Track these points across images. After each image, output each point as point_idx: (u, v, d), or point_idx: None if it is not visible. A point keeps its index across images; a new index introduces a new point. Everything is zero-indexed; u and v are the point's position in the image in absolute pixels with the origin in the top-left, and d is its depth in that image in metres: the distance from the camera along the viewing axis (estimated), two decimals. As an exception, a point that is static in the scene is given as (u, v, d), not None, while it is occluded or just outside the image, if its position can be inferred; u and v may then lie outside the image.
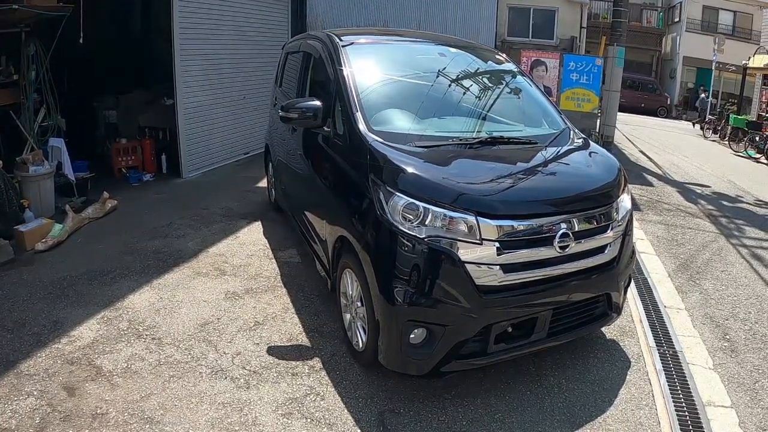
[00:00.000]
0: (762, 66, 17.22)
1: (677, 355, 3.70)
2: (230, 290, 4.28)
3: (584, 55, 11.53)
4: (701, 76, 27.75)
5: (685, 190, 9.48)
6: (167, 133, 8.28)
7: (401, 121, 3.58)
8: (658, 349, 3.76)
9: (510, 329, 3.04)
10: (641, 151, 13.49)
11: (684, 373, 3.51)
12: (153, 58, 9.07)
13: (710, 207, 8.35)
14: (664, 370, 3.52)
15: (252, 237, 5.47)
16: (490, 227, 2.82)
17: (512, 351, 3.07)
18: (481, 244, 2.80)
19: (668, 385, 3.34)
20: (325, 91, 3.94)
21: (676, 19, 28.83)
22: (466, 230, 2.81)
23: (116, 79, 8.74)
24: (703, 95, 23.39)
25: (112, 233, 5.44)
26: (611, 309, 3.42)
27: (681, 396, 3.27)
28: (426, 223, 2.81)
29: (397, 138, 3.28)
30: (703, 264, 5.67)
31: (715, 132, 18.45)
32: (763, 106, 18.17)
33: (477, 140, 3.42)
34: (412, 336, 2.85)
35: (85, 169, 6.78)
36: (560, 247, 2.97)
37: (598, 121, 11.00)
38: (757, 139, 14.70)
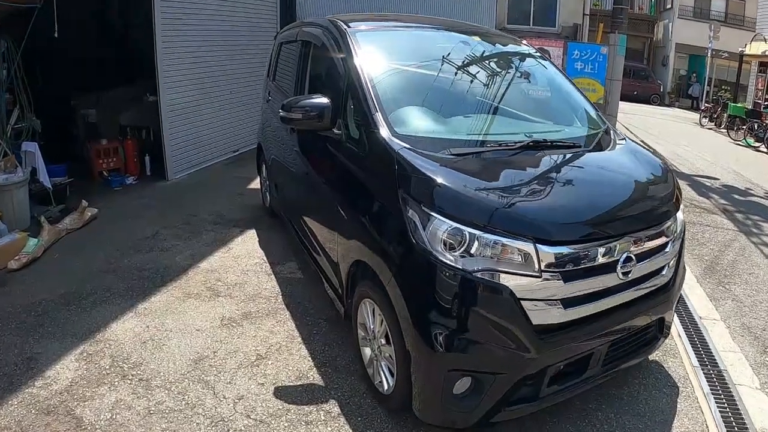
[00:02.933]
0: (759, 53, 16.96)
1: (722, 375, 3.45)
2: (226, 315, 3.80)
3: (589, 43, 11.10)
4: (693, 63, 27.58)
5: (694, 183, 9.17)
6: (151, 133, 7.78)
7: (426, 122, 3.10)
8: (702, 369, 3.49)
9: (562, 368, 2.60)
10: (641, 142, 13.16)
11: (732, 395, 3.24)
12: (135, 52, 8.51)
13: (723, 201, 8.09)
14: (713, 393, 3.24)
15: (247, 248, 4.99)
16: (550, 255, 2.36)
17: (565, 392, 2.66)
18: (540, 276, 2.35)
19: (719, 412, 3.07)
20: (331, 86, 3.43)
21: (668, 6, 28.55)
22: (523, 260, 2.34)
23: (96, 76, 8.17)
24: (695, 84, 23.19)
25: (92, 247, 4.94)
26: (661, 332, 3.06)
27: (734, 425, 2.99)
28: (473, 252, 2.33)
29: (428, 144, 2.76)
30: (729, 266, 5.38)
31: (711, 120, 18.23)
32: (759, 93, 17.93)
33: (518, 145, 2.91)
34: (456, 386, 2.41)
35: (63, 173, 6.28)
36: (623, 273, 2.55)
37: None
38: (756, 127, 14.48)
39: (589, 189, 2.80)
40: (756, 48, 17.58)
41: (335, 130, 3.17)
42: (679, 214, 3.01)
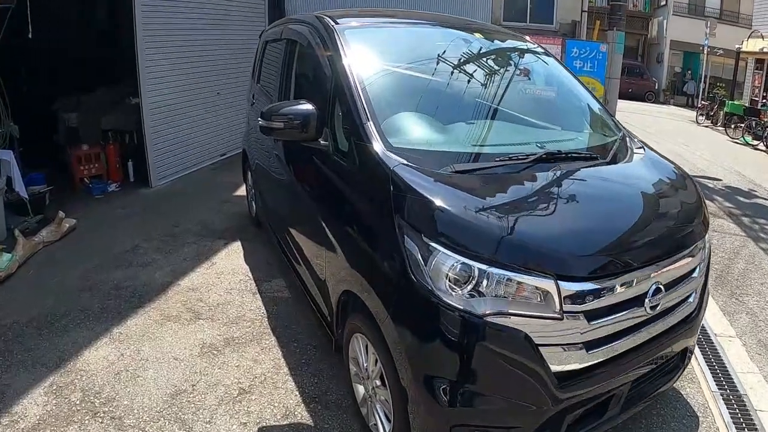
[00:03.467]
0: (757, 50, 16.79)
1: (742, 400, 3.22)
2: (207, 341, 3.51)
3: (587, 41, 10.85)
4: (688, 60, 27.45)
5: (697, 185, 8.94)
6: (134, 137, 7.47)
7: (424, 132, 2.77)
8: (721, 395, 3.26)
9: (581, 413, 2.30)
10: (640, 141, 12.98)
11: (755, 424, 3.01)
12: (116, 53, 8.21)
13: (728, 204, 7.89)
14: (734, 422, 3.01)
15: (231, 263, 4.70)
16: (573, 293, 2.03)
17: None
18: (561, 318, 2.02)
19: None
20: (317, 90, 3.08)
21: (663, 3, 28.38)
22: (542, 300, 2.01)
23: (76, 78, 7.87)
24: (689, 81, 23.05)
25: (69, 262, 4.65)
26: (683, 361, 2.75)
27: None
28: (484, 291, 1.98)
29: (428, 159, 2.42)
30: (740, 276, 5.16)
31: (707, 118, 18.06)
32: (756, 90, 17.78)
33: (530, 158, 2.54)
34: None
35: (41, 181, 5.98)
36: (651, 307, 2.25)
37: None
38: (754, 125, 14.31)
39: (614, 212, 2.44)
40: (753, 45, 17.42)
41: (321, 141, 2.82)
42: (707, 235, 2.69)
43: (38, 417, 2.80)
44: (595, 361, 2.15)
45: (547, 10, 13.11)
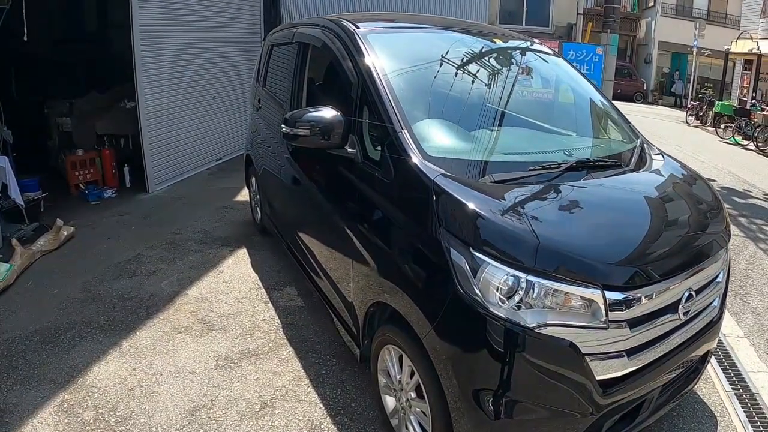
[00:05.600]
0: (746, 51, 16.96)
1: (755, 399, 3.29)
2: (222, 353, 3.40)
3: (583, 43, 10.85)
4: (676, 61, 27.68)
5: (693, 186, 8.97)
6: (129, 141, 7.33)
7: (456, 140, 2.70)
8: (735, 394, 3.32)
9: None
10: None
11: None
12: (110, 57, 8.06)
13: (726, 205, 7.86)
14: (749, 421, 3.06)
15: (239, 272, 4.59)
16: (618, 302, 2.03)
17: None
18: (606, 327, 2.02)
19: None
20: (338, 95, 3.00)
21: (651, 4, 28.60)
22: (589, 310, 2.00)
23: (70, 82, 7.71)
24: (677, 82, 23.24)
25: (69, 272, 4.51)
26: (702, 362, 2.79)
27: None
28: (532, 303, 1.97)
29: (466, 169, 2.40)
30: (743, 276, 5.18)
31: (697, 118, 18.21)
32: (745, 91, 17.96)
33: (562, 167, 2.52)
34: None
35: (36, 188, 5.83)
36: (684, 313, 2.27)
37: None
38: (744, 125, 14.45)
39: (649, 221, 2.45)
40: (742, 46, 17.61)
41: (348, 149, 2.74)
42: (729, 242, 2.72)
43: (50, 437, 2.68)
44: (635, 368, 2.16)
45: (543, 13, 13.13)
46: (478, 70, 3.18)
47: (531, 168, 2.47)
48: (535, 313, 1.97)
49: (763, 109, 14.74)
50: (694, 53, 20.63)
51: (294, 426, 2.79)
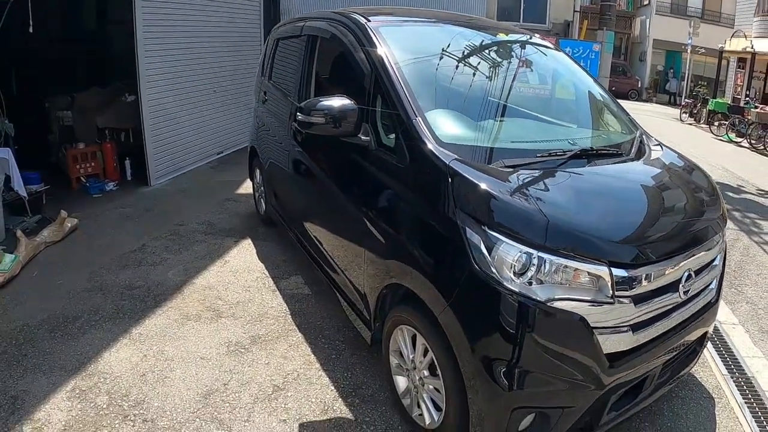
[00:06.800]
0: (740, 50, 17.07)
1: (751, 383, 3.41)
2: (232, 340, 3.43)
3: (580, 40, 10.92)
4: (670, 59, 27.84)
5: (689, 181, 9.08)
6: (130, 135, 7.32)
7: (467, 128, 2.78)
8: (732, 378, 3.44)
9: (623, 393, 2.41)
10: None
11: (765, 404, 3.20)
12: (111, 51, 8.07)
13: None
14: (746, 403, 3.18)
15: (245, 261, 4.62)
16: (623, 278, 2.14)
17: (621, 416, 2.45)
18: (613, 302, 2.12)
19: (756, 423, 3.01)
20: (352, 86, 3.04)
21: (646, 2, 28.77)
22: (596, 285, 2.10)
23: (70, 76, 7.70)
24: (672, 79, 23.37)
25: (74, 262, 4.52)
26: (700, 344, 2.92)
27: None
28: (543, 278, 2.06)
29: (479, 154, 2.48)
30: (737, 267, 5.32)
31: (691, 115, 18.34)
32: (739, 89, 18.09)
33: (567, 154, 2.62)
34: (521, 423, 2.16)
35: (38, 181, 5.82)
36: (684, 292, 2.39)
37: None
38: (738, 122, 14.57)
39: (651, 204, 2.58)
40: (736, 44, 17.72)
41: (361, 136, 2.80)
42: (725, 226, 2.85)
43: (64, 423, 2.69)
44: (640, 343, 2.27)
45: (540, 10, 13.22)
46: (483, 63, 3.26)
47: (538, 155, 2.56)
48: (547, 288, 2.06)
49: (756, 107, 14.86)
50: (688, 51, 20.75)
51: (307, 407, 2.84)
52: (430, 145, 2.45)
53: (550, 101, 3.41)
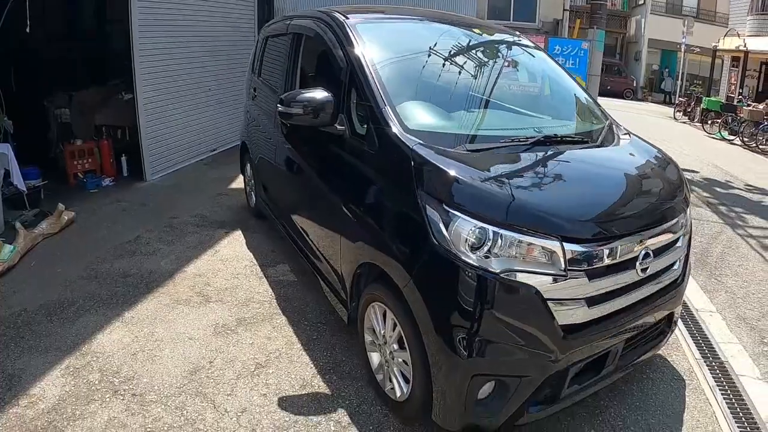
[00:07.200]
0: (733, 48, 17.22)
1: (725, 367, 3.49)
2: (219, 322, 3.61)
3: (569, 39, 11.09)
4: (665, 58, 27.97)
5: (677, 176, 9.21)
6: (126, 132, 7.51)
7: (434, 117, 2.96)
8: (705, 362, 3.53)
9: (582, 366, 2.53)
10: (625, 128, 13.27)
11: (737, 387, 3.28)
12: (107, 50, 8.23)
13: (706, 194, 8.23)
14: (718, 386, 3.27)
15: (234, 251, 4.80)
16: (576, 253, 2.28)
17: (584, 391, 2.59)
18: (566, 276, 2.26)
19: (726, 404, 3.10)
20: (329, 79, 3.24)
21: (641, 2, 28.91)
22: (549, 259, 2.25)
23: (68, 74, 7.87)
24: (667, 79, 23.49)
25: (71, 253, 4.70)
26: (669, 326, 3.06)
27: (741, 416, 3.04)
28: (498, 252, 2.21)
29: (442, 139, 2.64)
30: (719, 258, 5.46)
31: (685, 114, 18.49)
32: (732, 87, 18.23)
33: (530, 140, 2.80)
34: (480, 391, 2.31)
35: (36, 176, 5.98)
36: (642, 270, 2.51)
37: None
38: (731, 120, 14.71)
39: (607, 185, 2.73)
40: (729, 43, 17.88)
41: (337, 126, 2.99)
42: (688, 209, 2.98)
43: (58, 397, 2.86)
44: (595, 317, 2.40)
45: (530, 9, 13.44)
46: (458, 57, 3.43)
47: (501, 141, 2.75)
48: (501, 261, 2.21)
49: (749, 105, 15.00)
50: (683, 51, 20.91)
51: (287, 383, 3.01)
52: (396, 131, 2.63)
53: (522, 94, 3.57)
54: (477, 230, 2.22)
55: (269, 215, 4.92)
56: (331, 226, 3.20)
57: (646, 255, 2.51)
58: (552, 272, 2.24)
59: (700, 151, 12.35)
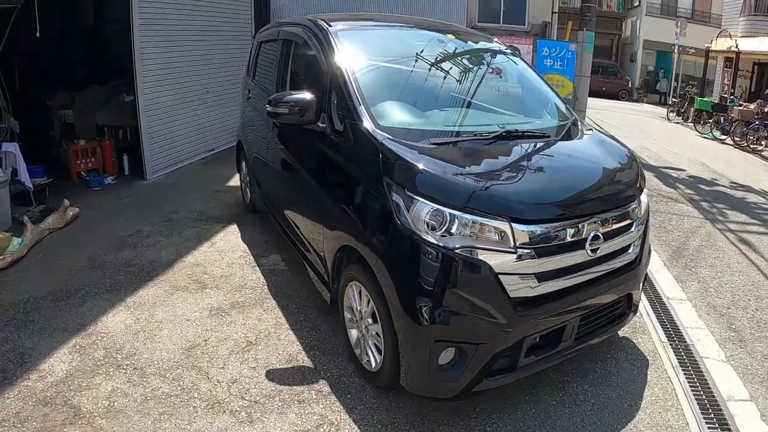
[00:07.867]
0: (725, 49, 17.47)
1: (690, 350, 3.65)
2: (214, 306, 3.90)
3: (557, 41, 11.36)
4: (661, 60, 28.17)
5: (661, 174, 9.46)
6: (128, 132, 7.79)
7: (405, 115, 3.26)
8: (670, 344, 3.71)
9: (537, 339, 2.81)
10: (610, 136, 13.46)
11: (700, 368, 3.45)
12: (109, 52, 8.50)
13: (689, 191, 8.39)
14: (681, 366, 3.45)
15: (230, 243, 5.09)
16: (524, 233, 2.57)
17: (541, 363, 2.87)
18: (515, 252, 2.54)
19: (688, 383, 3.27)
20: (314, 82, 3.58)
21: (636, 3, 29.14)
22: (499, 238, 2.54)
23: (71, 75, 8.14)
24: (662, 79, 23.69)
25: (76, 245, 4.98)
26: (630, 308, 3.31)
27: (702, 393, 3.20)
28: (453, 231, 2.51)
29: (409, 135, 2.94)
30: (695, 251, 5.66)
31: (678, 114, 18.70)
32: (726, 88, 18.45)
33: (492, 135, 3.11)
34: (441, 357, 2.59)
35: (41, 174, 6.26)
36: (591, 250, 2.77)
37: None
38: (722, 120, 14.92)
39: (559, 174, 3.02)
40: (722, 44, 18.13)
41: (319, 124, 3.31)
42: (644, 198, 3.25)
43: (65, 372, 3.14)
44: (546, 291, 2.67)
45: (519, 12, 13.79)
46: (431, 61, 3.72)
47: (464, 135, 3.08)
48: (457, 239, 2.51)
49: (740, 105, 15.22)
50: (676, 52, 21.16)
51: (274, 358, 3.30)
52: (368, 127, 2.96)
53: (492, 93, 3.84)
54: (434, 212, 2.52)
55: (263, 210, 5.24)
56: (315, 215, 3.50)
57: (596, 237, 2.77)
58: (503, 249, 2.53)
59: (688, 150, 12.56)
